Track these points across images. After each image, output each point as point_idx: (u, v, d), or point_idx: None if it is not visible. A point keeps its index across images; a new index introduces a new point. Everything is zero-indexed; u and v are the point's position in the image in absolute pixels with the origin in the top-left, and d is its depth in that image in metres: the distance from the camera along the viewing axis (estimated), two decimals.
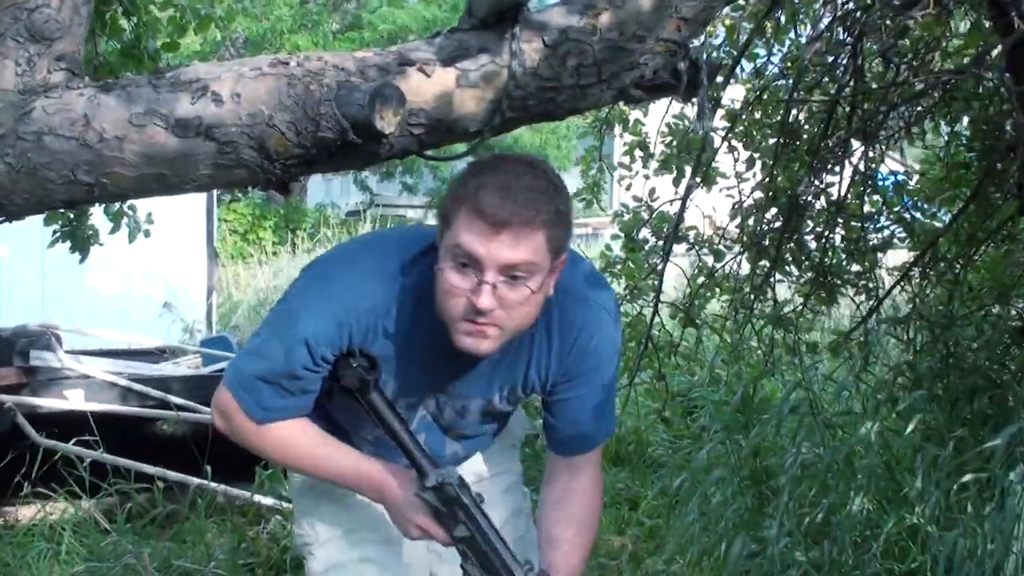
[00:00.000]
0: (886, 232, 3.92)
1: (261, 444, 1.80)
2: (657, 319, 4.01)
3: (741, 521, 3.23)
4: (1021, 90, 2.79)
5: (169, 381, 5.28)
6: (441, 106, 1.74)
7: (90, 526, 4.12)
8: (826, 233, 3.87)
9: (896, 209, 3.87)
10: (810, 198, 3.80)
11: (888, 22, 3.15)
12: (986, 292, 3.61)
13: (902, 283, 3.78)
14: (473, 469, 1.98)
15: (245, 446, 1.82)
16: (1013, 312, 3.57)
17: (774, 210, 3.90)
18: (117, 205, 4.49)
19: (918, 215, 3.89)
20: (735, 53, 3.80)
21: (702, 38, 3.69)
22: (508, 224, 1.56)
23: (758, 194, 3.93)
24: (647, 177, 4.13)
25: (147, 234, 4.72)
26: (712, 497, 3.61)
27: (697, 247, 4.08)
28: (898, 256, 4.07)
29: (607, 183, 4.38)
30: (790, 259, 3.91)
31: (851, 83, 3.53)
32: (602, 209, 4.71)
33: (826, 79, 3.76)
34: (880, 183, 3.97)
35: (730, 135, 3.92)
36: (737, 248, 4.07)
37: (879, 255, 3.89)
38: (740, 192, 3.99)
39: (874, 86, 3.61)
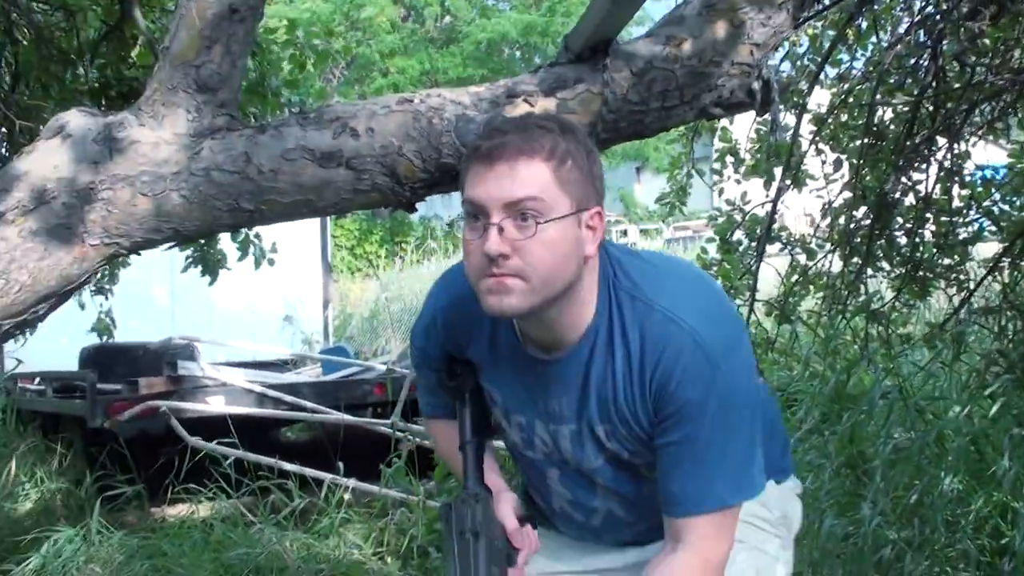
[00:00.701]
0: (975, 226, 4.01)
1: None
2: (753, 317, 4.13)
3: (837, 504, 3.37)
4: None
5: (299, 387, 5.66)
6: None
7: (237, 518, 4.49)
8: (916, 229, 3.96)
9: (984, 203, 3.96)
10: (898, 195, 3.91)
11: (962, 27, 3.28)
12: None
13: (992, 274, 3.87)
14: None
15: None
16: None
17: (863, 208, 4.02)
18: (243, 233, 4.79)
19: (1006, 207, 3.98)
20: (819, 60, 3.95)
21: (785, 49, 3.88)
22: (500, 154, 1.44)
23: (847, 194, 4.05)
24: (738, 182, 4.29)
25: (271, 262, 4.99)
26: (809, 484, 3.75)
27: (790, 247, 4.23)
28: (989, 248, 4.14)
29: (690, 188, 4.52)
30: (881, 255, 4.02)
31: (933, 84, 3.63)
32: (683, 213, 4.84)
33: (908, 81, 3.88)
34: (969, 178, 4.06)
35: (817, 138, 4.06)
36: (829, 246, 4.20)
37: (969, 248, 3.98)
38: (829, 192, 4.13)
39: (955, 86, 3.72)
